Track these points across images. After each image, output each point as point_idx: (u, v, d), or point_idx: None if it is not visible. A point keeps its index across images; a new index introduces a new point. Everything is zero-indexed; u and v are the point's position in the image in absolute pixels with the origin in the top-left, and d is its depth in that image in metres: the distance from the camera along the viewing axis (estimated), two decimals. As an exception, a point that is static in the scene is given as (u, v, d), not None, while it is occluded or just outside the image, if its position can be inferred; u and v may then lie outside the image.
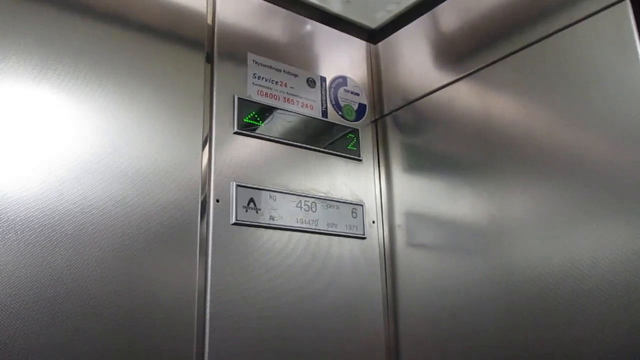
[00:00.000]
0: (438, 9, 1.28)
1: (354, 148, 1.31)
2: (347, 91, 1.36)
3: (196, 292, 0.96)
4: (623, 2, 0.90)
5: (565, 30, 0.98)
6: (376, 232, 1.28)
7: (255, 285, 1.04)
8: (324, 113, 1.29)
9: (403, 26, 1.37)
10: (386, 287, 1.25)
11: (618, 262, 0.85)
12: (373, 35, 1.46)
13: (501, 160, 1.06)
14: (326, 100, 1.30)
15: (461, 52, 1.19)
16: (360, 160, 1.31)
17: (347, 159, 1.28)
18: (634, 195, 0.84)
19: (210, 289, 0.98)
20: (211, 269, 0.99)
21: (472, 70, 1.15)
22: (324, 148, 1.25)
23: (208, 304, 0.97)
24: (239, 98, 1.13)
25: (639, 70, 0.86)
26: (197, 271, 0.97)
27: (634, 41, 0.87)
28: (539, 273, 0.96)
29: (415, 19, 1.33)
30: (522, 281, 0.98)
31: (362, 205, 1.26)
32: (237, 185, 1.07)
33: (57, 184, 0.86)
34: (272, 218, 1.10)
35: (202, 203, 1.02)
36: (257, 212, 1.08)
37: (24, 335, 0.78)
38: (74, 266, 0.84)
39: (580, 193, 0.92)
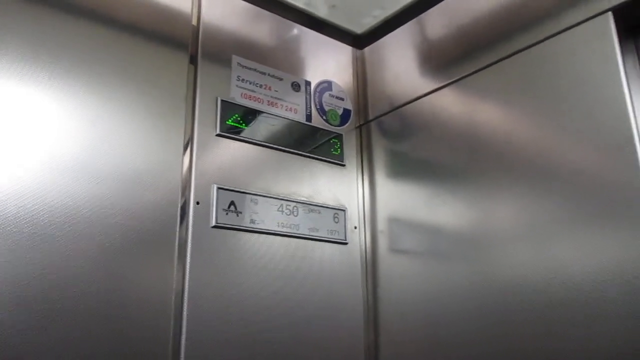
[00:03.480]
0: (424, 15, 1.28)
1: (337, 153, 1.30)
2: (332, 96, 1.35)
3: (173, 295, 0.95)
4: (606, 13, 0.90)
5: (549, 40, 0.99)
6: (358, 238, 1.27)
7: (233, 288, 1.03)
8: (308, 117, 1.28)
9: (389, 32, 1.37)
10: (367, 293, 1.25)
11: (600, 270, 0.85)
12: (359, 41, 1.46)
13: (485, 167, 1.06)
14: (311, 105, 1.30)
15: (447, 60, 1.20)
16: (343, 165, 1.31)
17: (330, 164, 1.28)
18: (614, 202, 0.85)
19: (188, 291, 0.97)
20: (189, 271, 0.98)
21: (458, 77, 1.15)
22: (308, 152, 1.24)
23: (185, 307, 0.96)
24: (222, 100, 1.12)
25: (620, 80, 0.87)
26: (175, 273, 0.96)
27: (615, 52, 0.88)
28: (521, 280, 0.95)
29: (401, 25, 1.34)
30: (505, 288, 0.98)
31: (344, 210, 1.26)
32: (218, 188, 1.06)
33: (35, 184, 0.85)
34: (252, 221, 1.09)
35: (182, 205, 1.01)
36: (237, 215, 1.07)
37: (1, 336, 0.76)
38: (50, 267, 0.83)
39: (562, 200, 0.92)
